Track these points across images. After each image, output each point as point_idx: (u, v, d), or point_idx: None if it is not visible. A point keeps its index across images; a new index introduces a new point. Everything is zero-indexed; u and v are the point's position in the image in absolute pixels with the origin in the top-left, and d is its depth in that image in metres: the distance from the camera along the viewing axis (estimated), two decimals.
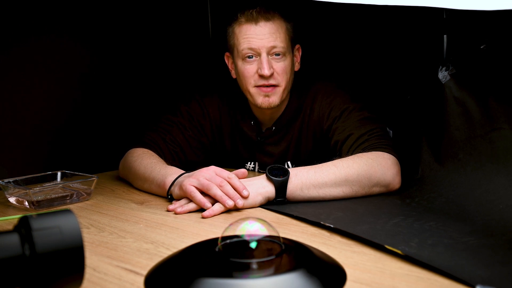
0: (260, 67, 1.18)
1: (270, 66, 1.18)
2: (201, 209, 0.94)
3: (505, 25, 0.96)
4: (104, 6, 1.48)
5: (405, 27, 1.37)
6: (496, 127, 0.96)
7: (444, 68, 1.09)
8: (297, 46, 1.28)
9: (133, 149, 1.24)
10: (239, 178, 0.98)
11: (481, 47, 0.99)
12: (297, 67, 1.29)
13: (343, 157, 1.06)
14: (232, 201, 0.93)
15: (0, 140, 1.27)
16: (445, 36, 1.17)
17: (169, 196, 1.04)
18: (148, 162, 1.14)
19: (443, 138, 1.08)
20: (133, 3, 1.57)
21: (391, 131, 1.40)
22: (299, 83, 1.30)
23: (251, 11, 1.19)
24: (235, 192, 0.94)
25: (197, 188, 0.95)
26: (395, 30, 1.41)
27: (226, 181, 0.95)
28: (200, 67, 1.82)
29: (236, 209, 0.96)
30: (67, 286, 0.50)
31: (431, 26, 1.22)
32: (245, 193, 0.94)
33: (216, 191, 0.93)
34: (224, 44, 1.31)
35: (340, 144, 1.16)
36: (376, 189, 1.03)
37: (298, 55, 1.29)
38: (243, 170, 1.02)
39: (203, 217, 0.91)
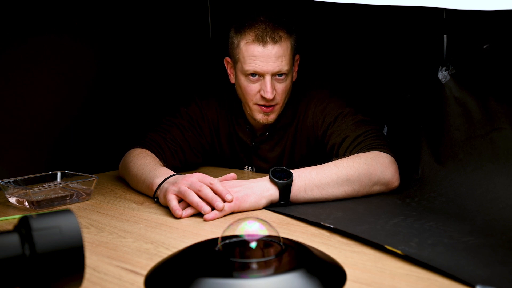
0: (263, 89, 1.19)
1: (273, 89, 1.20)
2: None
3: (505, 25, 0.96)
4: (106, 9, 1.48)
5: (405, 27, 1.37)
6: (497, 127, 0.96)
7: (444, 68, 1.09)
8: (297, 57, 1.29)
9: (133, 149, 1.24)
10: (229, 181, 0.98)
11: (484, 46, 0.99)
12: (294, 77, 1.30)
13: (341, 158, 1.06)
14: (209, 207, 0.90)
15: (0, 140, 1.26)
16: (445, 36, 1.17)
17: (155, 199, 1.03)
18: (141, 163, 1.14)
19: (443, 138, 1.08)
20: (134, 7, 1.57)
21: (386, 127, 1.41)
22: (293, 89, 1.31)
23: (258, 27, 1.17)
24: (215, 196, 0.91)
25: (177, 195, 0.94)
26: (395, 30, 1.41)
27: (206, 186, 0.92)
28: (200, 69, 1.82)
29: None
30: (67, 286, 0.50)
31: (431, 26, 1.22)
32: (228, 197, 0.91)
33: (193, 198, 0.91)
34: (224, 48, 1.31)
35: (336, 147, 1.17)
36: (376, 188, 1.03)
37: (296, 65, 1.30)
38: (232, 174, 1.01)
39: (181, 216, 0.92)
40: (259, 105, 1.24)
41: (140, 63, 1.61)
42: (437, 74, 1.09)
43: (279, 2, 1.35)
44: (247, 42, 1.19)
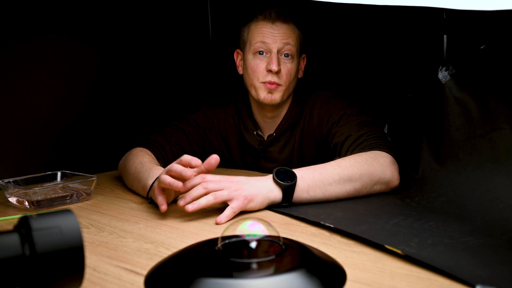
0: (269, 63, 1.23)
1: (279, 63, 1.23)
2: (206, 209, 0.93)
3: (505, 25, 0.96)
4: (106, 9, 1.48)
5: (405, 27, 1.37)
6: (496, 127, 0.96)
7: (444, 68, 1.09)
8: (303, 55, 1.34)
9: (134, 148, 1.24)
10: (212, 164, 0.93)
11: (481, 47, 0.99)
12: (300, 74, 1.34)
13: (343, 157, 1.06)
14: (179, 182, 0.88)
15: (0, 140, 1.26)
16: (445, 36, 1.17)
17: (149, 200, 1.03)
18: (139, 162, 1.13)
19: (443, 138, 1.08)
20: (134, 7, 1.57)
21: (386, 126, 1.42)
22: (299, 90, 1.33)
23: (270, 11, 1.25)
24: (182, 168, 0.89)
25: (160, 186, 0.93)
26: (396, 30, 1.41)
27: (175, 164, 0.91)
28: (200, 69, 1.82)
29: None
30: (67, 286, 0.50)
31: (431, 26, 1.23)
32: (195, 162, 0.90)
33: (165, 180, 0.89)
34: (224, 49, 1.33)
35: (339, 146, 1.18)
36: (377, 187, 1.03)
37: (302, 63, 1.34)
38: (214, 156, 0.93)
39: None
40: (264, 83, 1.25)
41: (140, 63, 1.61)
42: (437, 74, 1.09)
43: (279, 3, 1.35)
44: (257, 22, 1.26)
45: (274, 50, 1.23)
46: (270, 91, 1.25)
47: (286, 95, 1.28)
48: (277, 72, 1.23)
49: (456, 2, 0.77)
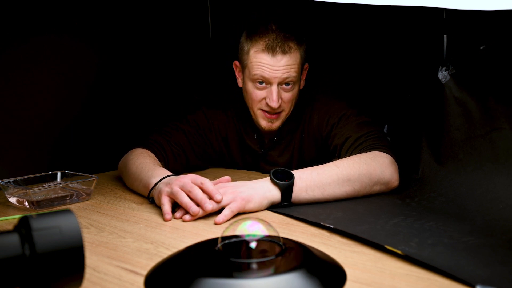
0: (269, 98, 1.21)
1: (279, 98, 1.21)
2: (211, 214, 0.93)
3: (505, 25, 0.96)
4: (106, 9, 1.48)
5: (405, 27, 1.37)
6: (496, 127, 0.96)
7: (444, 68, 1.09)
8: (306, 65, 1.30)
9: (134, 148, 1.24)
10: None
11: (481, 48, 0.99)
12: (302, 85, 1.31)
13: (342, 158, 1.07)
14: (197, 208, 0.89)
15: (0, 140, 1.26)
16: (445, 36, 1.17)
17: (150, 199, 1.03)
18: (141, 162, 1.13)
19: (443, 138, 1.08)
20: (134, 7, 1.57)
21: (386, 127, 1.42)
22: (299, 95, 1.31)
23: (269, 37, 1.18)
24: (204, 197, 0.90)
25: (170, 196, 0.94)
26: (395, 30, 1.41)
27: (196, 187, 0.91)
28: (200, 70, 1.82)
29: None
30: (67, 286, 0.50)
31: (431, 26, 1.23)
32: (218, 197, 0.90)
33: (182, 199, 0.90)
34: (223, 49, 1.31)
35: (339, 148, 1.18)
36: (376, 188, 1.03)
37: (304, 73, 1.31)
38: (226, 177, 1.00)
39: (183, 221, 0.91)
40: (263, 111, 1.25)
41: (140, 63, 1.61)
42: (437, 74, 1.09)
43: (279, 3, 1.35)
44: (256, 50, 1.20)
45: (274, 86, 1.20)
46: (271, 121, 1.25)
47: (287, 116, 1.28)
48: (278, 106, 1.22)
49: (456, 2, 0.77)
